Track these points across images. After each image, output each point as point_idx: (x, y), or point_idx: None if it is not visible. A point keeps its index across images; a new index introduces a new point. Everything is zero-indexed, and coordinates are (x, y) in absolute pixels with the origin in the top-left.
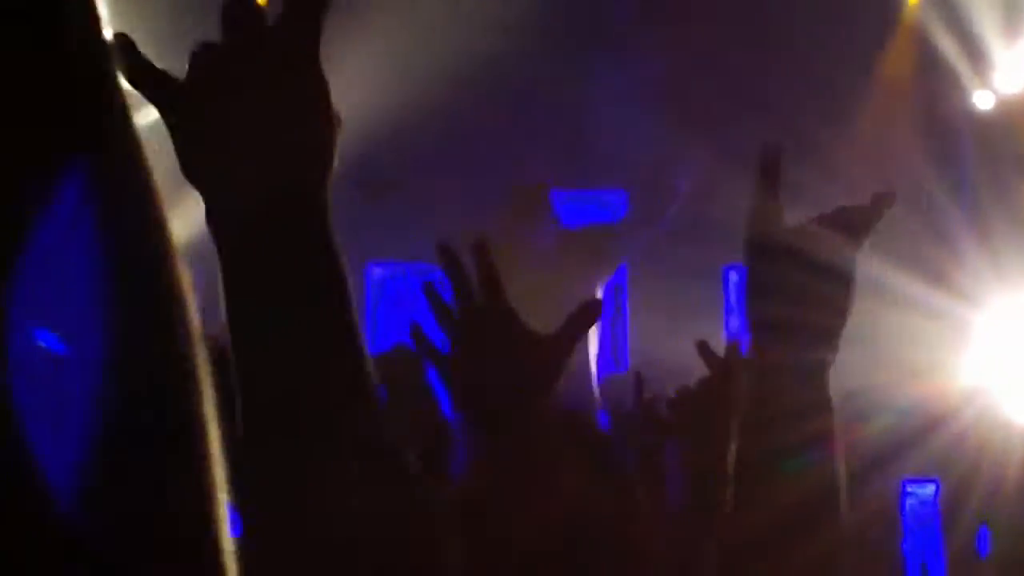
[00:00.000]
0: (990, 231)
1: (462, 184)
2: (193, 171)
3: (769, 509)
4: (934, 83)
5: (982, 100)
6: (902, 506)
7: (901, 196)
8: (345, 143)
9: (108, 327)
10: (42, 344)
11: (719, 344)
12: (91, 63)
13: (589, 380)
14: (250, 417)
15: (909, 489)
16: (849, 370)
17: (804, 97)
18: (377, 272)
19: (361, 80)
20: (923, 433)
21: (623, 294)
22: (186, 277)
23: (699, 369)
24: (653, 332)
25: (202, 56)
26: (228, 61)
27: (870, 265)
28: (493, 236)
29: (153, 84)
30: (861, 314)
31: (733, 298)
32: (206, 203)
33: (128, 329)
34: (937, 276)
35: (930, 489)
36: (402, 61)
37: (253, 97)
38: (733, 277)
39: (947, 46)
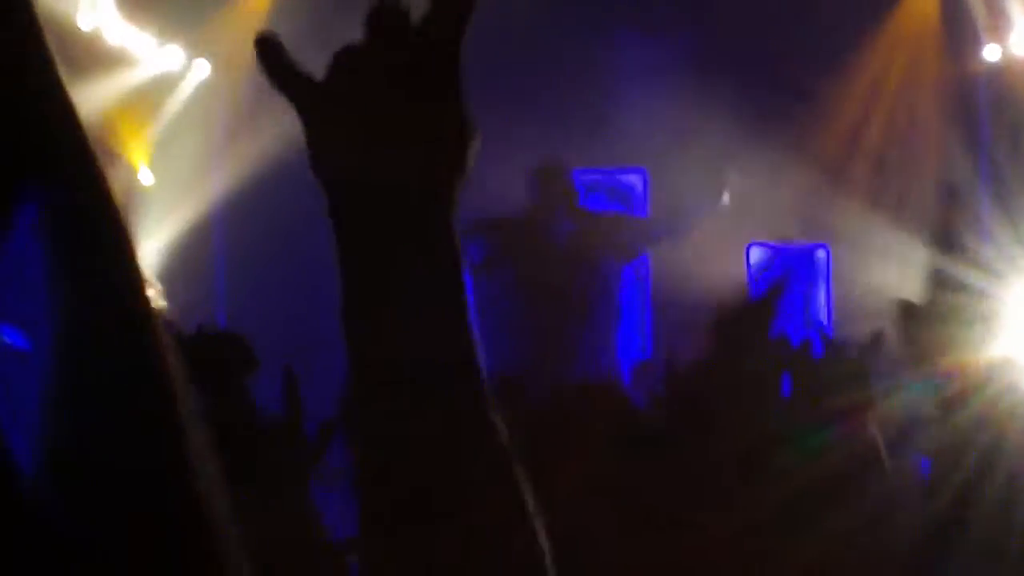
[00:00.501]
0: (1011, 205)
1: (481, 164)
2: (324, 167)
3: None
4: (953, 43)
5: (992, 54)
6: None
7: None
8: None
9: (68, 321)
10: (4, 339)
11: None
12: (32, 76)
13: (614, 364)
14: (367, 410)
15: None
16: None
17: (822, 70)
18: None
19: None
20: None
21: (646, 282)
22: (144, 272)
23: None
24: (676, 314)
25: (345, 57)
26: (370, 62)
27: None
28: (515, 214)
29: (295, 85)
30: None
31: (755, 274)
32: (334, 200)
33: (87, 322)
34: (963, 254)
35: None
36: None
37: (393, 99)
38: (755, 253)
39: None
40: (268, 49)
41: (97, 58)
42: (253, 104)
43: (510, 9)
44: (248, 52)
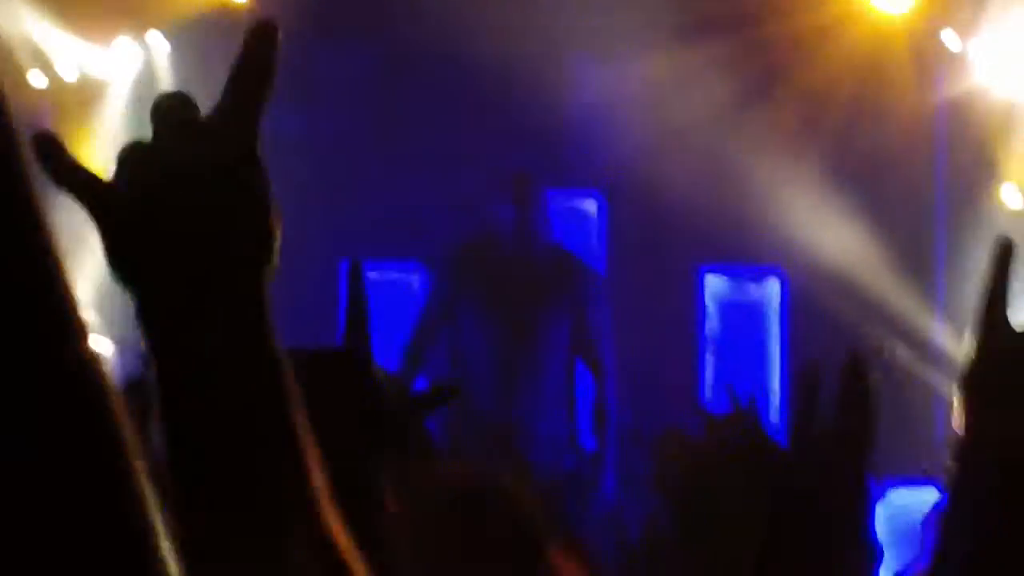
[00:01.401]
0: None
1: (441, 183)
2: (123, 271)
3: None
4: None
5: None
6: None
7: (880, 206)
8: (327, 141)
9: None
10: None
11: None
12: None
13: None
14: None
15: None
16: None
17: (780, 98)
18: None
19: (346, 78)
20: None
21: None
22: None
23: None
24: (631, 338)
25: (132, 153)
26: (159, 158)
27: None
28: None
29: (79, 186)
30: (842, 325)
31: (709, 302)
32: (138, 303)
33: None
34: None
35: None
36: (384, 62)
37: (185, 195)
38: (709, 279)
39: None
40: (49, 150)
41: (28, 63)
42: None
43: (459, 31)
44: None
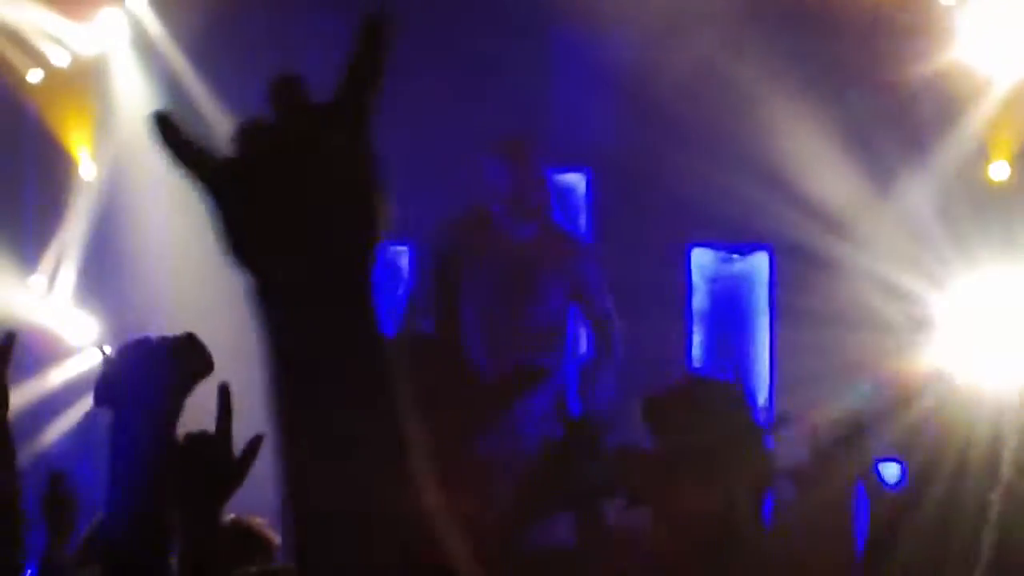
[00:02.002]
0: (955, 214)
1: (425, 161)
2: (239, 249)
3: None
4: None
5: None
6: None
7: (870, 179)
8: None
9: None
10: None
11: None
12: None
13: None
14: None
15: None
16: (818, 353)
17: (768, 75)
18: None
19: (328, 54)
20: (887, 415)
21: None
22: None
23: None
24: (619, 313)
25: (248, 134)
26: (276, 139)
27: (840, 248)
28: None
29: (196, 163)
30: (830, 298)
31: (697, 276)
32: (254, 280)
33: None
34: (903, 259)
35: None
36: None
37: (300, 176)
38: (696, 254)
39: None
40: (166, 127)
41: (21, 50)
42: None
43: (442, 10)
44: None
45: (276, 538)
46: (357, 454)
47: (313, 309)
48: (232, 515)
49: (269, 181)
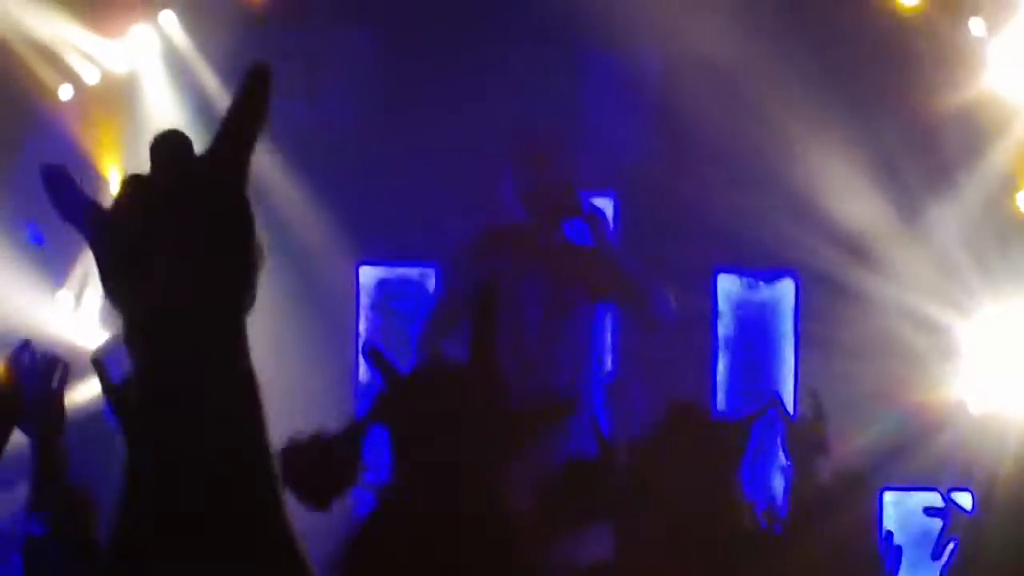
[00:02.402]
0: (981, 244)
1: (450, 181)
2: (113, 294)
3: None
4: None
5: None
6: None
7: (897, 208)
8: (335, 135)
9: None
10: None
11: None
12: None
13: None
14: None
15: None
16: (844, 382)
17: (798, 101)
18: (367, 273)
19: (353, 71)
20: (913, 445)
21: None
22: None
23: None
24: (643, 338)
25: (128, 186)
26: (152, 191)
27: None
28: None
29: (82, 216)
30: (855, 327)
31: (723, 302)
32: (125, 324)
33: None
34: (929, 289)
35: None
36: (393, 54)
37: (174, 228)
38: (722, 280)
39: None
40: (56, 181)
41: (52, 66)
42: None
43: (467, 25)
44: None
45: None
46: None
47: (175, 357)
48: None
49: (142, 231)
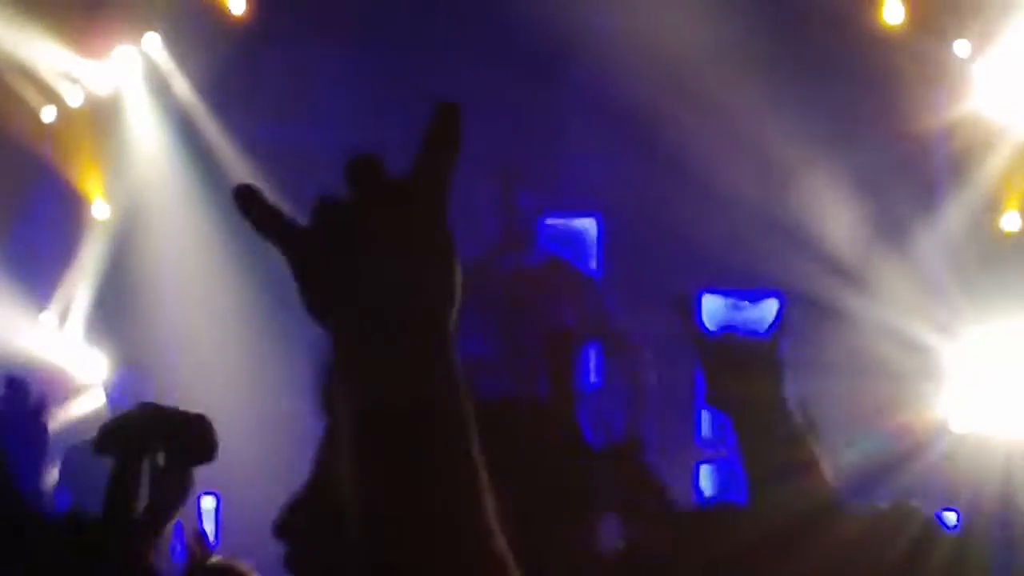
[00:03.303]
0: (966, 264)
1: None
2: (318, 310)
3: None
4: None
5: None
6: None
7: (881, 228)
8: (321, 165)
9: None
10: None
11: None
12: None
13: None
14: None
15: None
16: (828, 401)
17: (781, 126)
18: None
19: (345, 89)
20: (899, 463)
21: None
22: None
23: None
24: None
25: (326, 211)
26: (356, 217)
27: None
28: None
29: (279, 233)
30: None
31: (707, 322)
32: (333, 342)
33: None
34: (913, 309)
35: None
36: (382, 73)
37: (382, 251)
38: (707, 302)
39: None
40: (249, 198)
41: (36, 88)
42: (213, 82)
43: (453, 46)
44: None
45: None
46: (432, 503)
47: (385, 377)
48: (217, 557)
49: (348, 257)
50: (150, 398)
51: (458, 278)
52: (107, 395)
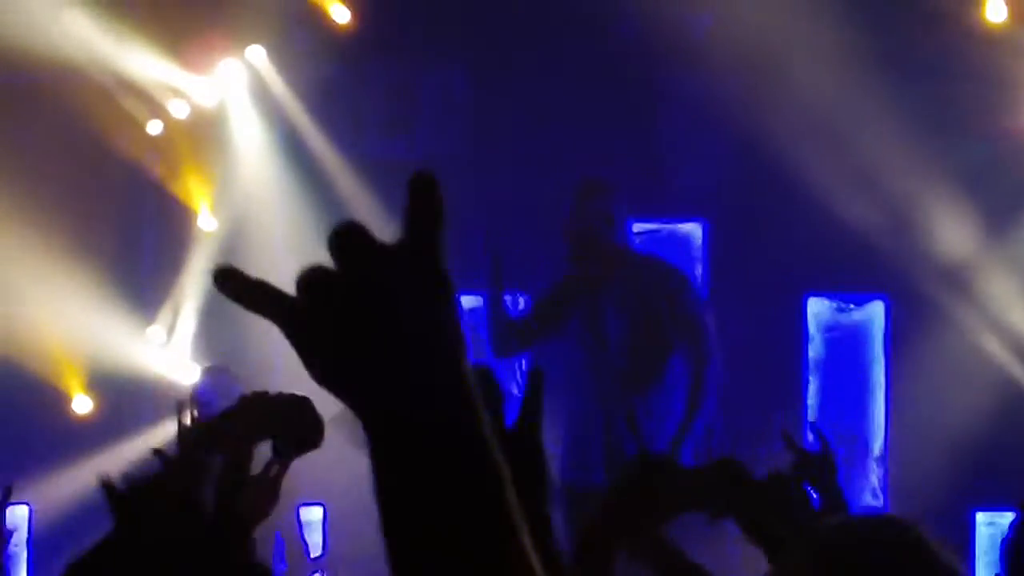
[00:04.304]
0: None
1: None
2: (324, 379)
3: None
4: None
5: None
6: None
7: (986, 227)
8: (427, 164)
9: None
10: None
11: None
12: None
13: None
14: None
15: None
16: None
17: (883, 126)
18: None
19: (444, 102)
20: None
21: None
22: None
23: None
24: (735, 362)
25: (316, 279)
26: (347, 286)
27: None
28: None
29: (269, 305)
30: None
31: (812, 325)
32: (354, 407)
33: None
34: (1020, 309)
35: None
36: (481, 86)
37: (378, 318)
38: (813, 305)
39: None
40: (228, 280)
41: (142, 102)
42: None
43: (552, 60)
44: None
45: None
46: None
47: (403, 438)
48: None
49: (338, 326)
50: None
51: (460, 335)
52: (195, 398)
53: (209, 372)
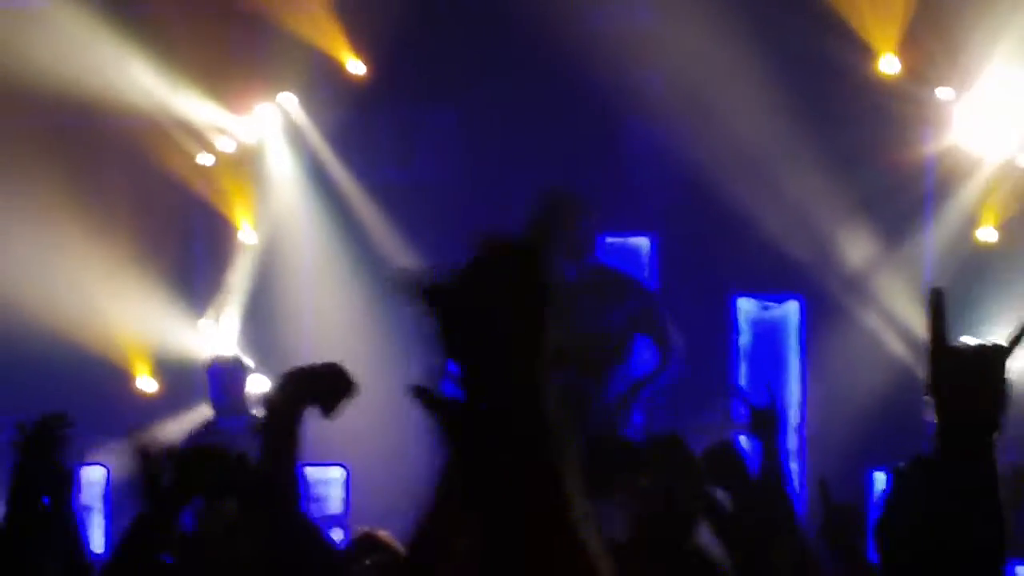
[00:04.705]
0: (950, 270)
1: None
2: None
3: None
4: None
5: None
6: None
7: (881, 241)
8: (425, 203)
9: None
10: None
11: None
12: None
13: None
14: None
15: None
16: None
17: (798, 162)
18: None
19: (439, 150)
20: None
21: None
22: None
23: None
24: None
25: (460, 273)
26: (478, 274)
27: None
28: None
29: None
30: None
31: (741, 320)
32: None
33: None
34: (909, 308)
35: None
36: (474, 135)
37: (492, 304)
38: (741, 304)
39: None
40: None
41: (192, 137)
42: (338, 135)
43: (533, 107)
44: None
45: (399, 547)
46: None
47: (491, 422)
48: (364, 528)
49: (470, 307)
50: (243, 391)
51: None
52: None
53: (219, 361)
